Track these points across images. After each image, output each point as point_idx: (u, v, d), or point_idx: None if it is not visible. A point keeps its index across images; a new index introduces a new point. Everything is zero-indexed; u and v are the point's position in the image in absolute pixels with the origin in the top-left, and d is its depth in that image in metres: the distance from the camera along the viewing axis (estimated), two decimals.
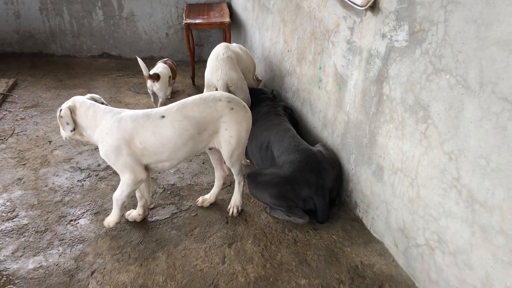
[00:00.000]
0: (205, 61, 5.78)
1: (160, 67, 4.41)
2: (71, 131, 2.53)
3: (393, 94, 2.40)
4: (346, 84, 2.90)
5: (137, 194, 2.81)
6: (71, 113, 2.51)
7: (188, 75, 5.42)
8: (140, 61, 3.99)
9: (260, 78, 4.52)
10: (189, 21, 4.75)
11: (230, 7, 5.49)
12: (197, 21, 4.77)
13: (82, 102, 2.56)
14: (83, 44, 5.70)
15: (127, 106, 4.53)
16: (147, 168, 2.62)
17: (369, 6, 2.50)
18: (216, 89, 3.68)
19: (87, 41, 5.68)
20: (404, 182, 2.41)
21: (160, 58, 5.88)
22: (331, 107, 3.13)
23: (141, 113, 2.55)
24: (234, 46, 3.97)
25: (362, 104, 2.73)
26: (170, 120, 2.49)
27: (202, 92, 4.81)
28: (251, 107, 3.80)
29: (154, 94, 4.31)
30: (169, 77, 4.51)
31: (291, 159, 2.92)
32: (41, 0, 5.37)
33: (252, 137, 3.45)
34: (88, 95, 2.69)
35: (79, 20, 5.53)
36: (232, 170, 2.86)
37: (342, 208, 3.06)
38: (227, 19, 4.77)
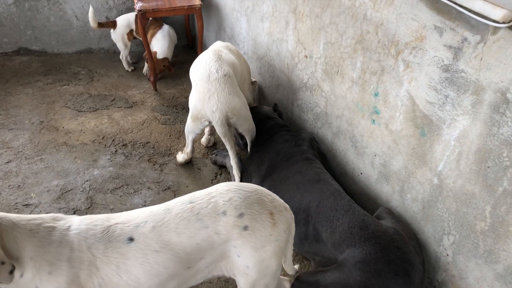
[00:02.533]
0: None
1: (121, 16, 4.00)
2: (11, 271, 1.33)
3: None
4: (439, 131, 1.85)
5: None
6: None
7: (144, 76, 4.08)
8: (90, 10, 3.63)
9: (254, 80, 3.33)
10: (142, 5, 3.37)
11: None
12: (154, 5, 3.40)
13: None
14: None
15: (68, 134, 3.20)
16: None
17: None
18: (209, 122, 2.50)
19: None
20: None
21: (101, 50, 4.44)
22: (401, 155, 2.10)
23: (99, 228, 1.49)
24: (223, 49, 2.74)
25: (477, 171, 1.72)
26: (141, 249, 1.46)
27: (172, 106, 3.58)
28: (257, 142, 2.68)
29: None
30: (131, 30, 3.96)
31: (361, 255, 1.88)
32: None
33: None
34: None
35: None
36: None
37: None
38: (197, 1, 3.44)
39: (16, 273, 1.35)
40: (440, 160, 1.89)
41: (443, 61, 1.76)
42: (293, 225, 1.72)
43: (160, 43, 3.80)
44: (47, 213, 2.26)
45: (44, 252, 1.38)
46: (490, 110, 1.61)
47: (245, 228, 1.52)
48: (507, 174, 1.60)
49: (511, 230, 1.65)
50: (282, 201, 1.69)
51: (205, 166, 2.99)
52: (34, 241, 1.38)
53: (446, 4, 1.66)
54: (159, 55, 3.75)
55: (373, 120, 2.23)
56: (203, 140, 3.16)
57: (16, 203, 2.63)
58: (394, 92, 2.04)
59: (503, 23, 1.45)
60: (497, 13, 1.45)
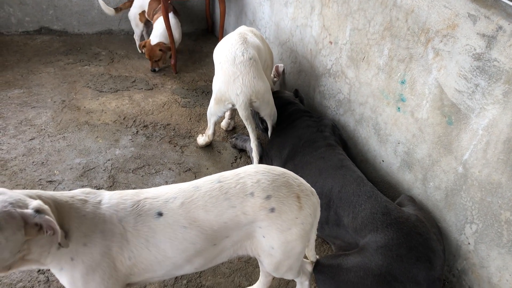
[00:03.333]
0: (184, 34, 4.49)
1: None
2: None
3: None
4: (466, 119, 1.85)
5: None
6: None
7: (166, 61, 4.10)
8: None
9: (281, 65, 3.30)
10: None
11: None
12: None
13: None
14: (11, 16, 4.13)
15: (90, 114, 3.24)
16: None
17: None
18: (233, 105, 2.52)
19: (16, 12, 4.11)
20: None
21: (121, 31, 4.45)
22: (425, 144, 2.10)
23: (129, 202, 1.52)
24: (249, 33, 2.74)
25: (505, 160, 1.72)
26: (170, 224, 1.49)
27: (192, 89, 3.59)
28: (278, 127, 2.69)
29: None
30: (143, 11, 3.98)
31: (383, 240, 1.90)
32: None
33: None
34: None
35: None
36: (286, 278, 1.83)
37: None
38: None
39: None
40: (466, 149, 1.89)
41: (475, 49, 1.75)
42: (319, 209, 1.74)
43: (157, 27, 3.79)
44: (70, 190, 2.32)
45: (80, 223, 1.41)
46: None
47: (272, 210, 1.54)
48: None
49: None
50: (308, 185, 1.70)
51: (225, 150, 3.01)
52: (71, 212, 1.41)
53: None
54: (153, 41, 3.74)
55: (398, 108, 2.23)
56: (223, 123, 3.17)
57: (40, 179, 2.67)
58: (422, 80, 2.04)
59: None
60: None
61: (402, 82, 2.17)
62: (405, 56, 2.11)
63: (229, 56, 2.44)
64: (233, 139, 3.01)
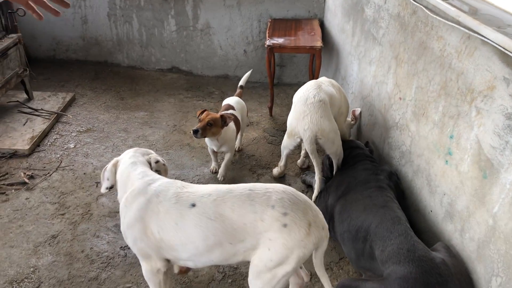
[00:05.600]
0: (286, 85, 5.06)
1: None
2: (107, 188, 2.16)
3: None
4: (498, 174, 1.98)
5: None
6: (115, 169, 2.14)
7: (265, 102, 4.65)
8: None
9: (356, 115, 3.61)
10: (272, 42, 3.97)
11: (322, 25, 4.63)
12: (281, 42, 3.97)
13: (124, 160, 2.14)
14: (152, 56, 5.11)
15: (192, 138, 3.87)
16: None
17: None
18: (301, 140, 2.89)
19: (156, 53, 5.09)
20: None
21: (235, 77, 5.16)
22: (465, 196, 2.22)
23: (171, 191, 1.94)
24: (325, 82, 3.14)
25: None
26: (199, 214, 1.85)
27: (281, 130, 4.06)
28: (342, 167, 2.97)
29: None
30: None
31: (402, 272, 2.05)
32: (110, 5, 4.83)
33: (345, 214, 2.62)
34: (138, 151, 2.22)
35: (149, 29, 4.94)
36: None
37: None
38: (319, 43, 3.92)
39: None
40: (496, 202, 2.00)
41: (507, 109, 1.92)
42: (325, 244, 1.94)
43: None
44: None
45: (132, 190, 1.97)
46: None
47: (285, 225, 1.81)
48: None
49: None
50: (323, 219, 1.94)
51: (295, 183, 3.36)
52: (122, 179, 2.07)
53: None
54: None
55: (446, 161, 2.39)
56: (299, 161, 3.54)
57: None
58: (466, 136, 2.21)
59: None
60: None
61: (451, 137, 2.35)
62: (454, 113, 2.31)
63: (302, 97, 2.86)
64: (303, 175, 3.35)
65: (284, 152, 3.15)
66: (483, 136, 2.08)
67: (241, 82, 3.86)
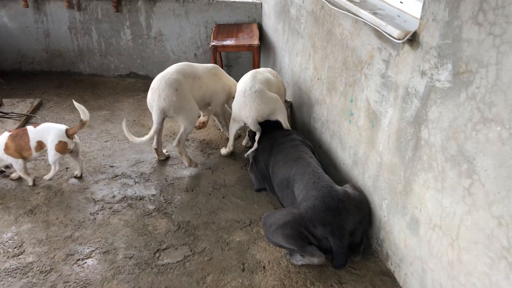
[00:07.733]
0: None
1: None
2: None
3: (433, 140, 2.11)
4: (380, 121, 2.61)
5: None
6: None
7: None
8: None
9: (289, 100, 4.26)
10: (216, 43, 4.56)
11: (260, 28, 5.28)
12: (225, 43, 4.58)
13: None
14: (111, 63, 5.61)
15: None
16: None
17: (407, 40, 2.22)
18: (244, 124, 3.50)
19: (115, 60, 5.59)
20: (443, 241, 2.10)
21: None
22: (363, 144, 2.85)
23: None
24: (263, 71, 3.74)
25: (397, 146, 2.44)
26: None
27: (228, 118, 4.65)
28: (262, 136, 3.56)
29: None
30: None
31: (308, 196, 2.67)
32: (71, 20, 5.31)
33: (273, 174, 3.21)
34: None
35: (107, 39, 5.44)
36: None
37: (372, 259, 2.75)
38: (256, 42, 4.55)
39: None
40: (380, 143, 2.63)
41: (381, 71, 2.56)
42: None
43: None
44: (122, 173, 3.40)
45: None
46: (401, 101, 2.37)
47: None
48: (409, 145, 2.32)
49: (413, 188, 2.33)
50: None
51: (240, 159, 3.93)
52: None
53: (383, 33, 2.47)
54: None
55: (350, 121, 3.02)
56: (244, 141, 4.12)
57: (105, 165, 3.77)
58: (360, 97, 2.85)
59: (399, 39, 2.26)
60: (396, 33, 2.26)
61: (351, 101, 2.98)
62: (352, 82, 2.95)
63: (241, 90, 3.45)
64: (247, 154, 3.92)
65: (232, 133, 3.73)
66: (370, 95, 2.72)
67: None
